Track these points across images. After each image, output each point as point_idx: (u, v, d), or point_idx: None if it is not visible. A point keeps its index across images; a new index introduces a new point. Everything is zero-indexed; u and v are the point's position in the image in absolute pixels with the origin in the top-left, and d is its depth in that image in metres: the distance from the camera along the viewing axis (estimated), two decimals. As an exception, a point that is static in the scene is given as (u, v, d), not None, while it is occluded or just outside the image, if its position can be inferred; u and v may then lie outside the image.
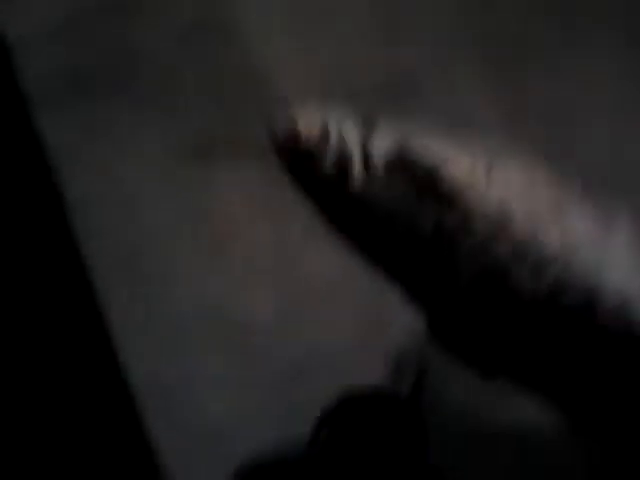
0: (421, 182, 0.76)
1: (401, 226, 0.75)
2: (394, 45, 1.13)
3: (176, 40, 1.15)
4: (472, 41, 1.09)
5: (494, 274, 0.69)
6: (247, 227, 1.02)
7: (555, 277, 0.68)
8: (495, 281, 0.69)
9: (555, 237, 0.69)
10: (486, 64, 1.07)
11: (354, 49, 1.13)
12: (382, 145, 0.80)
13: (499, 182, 0.75)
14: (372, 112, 0.83)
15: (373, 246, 0.78)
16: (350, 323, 0.94)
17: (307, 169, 0.84)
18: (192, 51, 1.14)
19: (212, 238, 1.02)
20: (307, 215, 0.77)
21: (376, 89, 1.06)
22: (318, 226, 0.76)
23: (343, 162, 0.80)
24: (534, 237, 0.69)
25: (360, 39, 1.14)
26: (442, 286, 0.73)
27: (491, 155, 0.77)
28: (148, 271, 1.01)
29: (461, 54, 1.09)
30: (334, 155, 0.81)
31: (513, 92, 1.05)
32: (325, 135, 0.83)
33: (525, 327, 0.70)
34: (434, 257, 0.73)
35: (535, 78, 1.08)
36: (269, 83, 1.11)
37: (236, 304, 0.97)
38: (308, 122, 0.84)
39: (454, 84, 1.09)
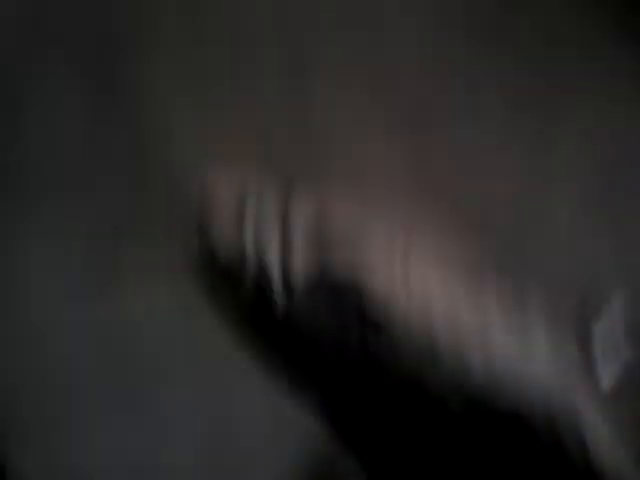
0: (345, 314, 0.73)
1: (328, 349, 0.74)
2: (303, 110, 1.02)
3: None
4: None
5: (428, 403, 0.71)
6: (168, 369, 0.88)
7: (484, 401, 0.70)
8: (428, 409, 0.71)
9: (479, 360, 0.70)
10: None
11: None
12: (299, 262, 0.75)
13: (419, 295, 0.71)
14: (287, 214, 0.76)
15: (302, 373, 0.76)
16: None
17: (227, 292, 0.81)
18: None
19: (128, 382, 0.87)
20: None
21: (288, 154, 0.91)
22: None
23: (264, 283, 0.76)
24: (462, 364, 0.70)
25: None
26: (374, 413, 0.73)
27: (406, 250, 0.71)
28: (52, 422, 0.87)
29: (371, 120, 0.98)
30: (254, 280, 0.76)
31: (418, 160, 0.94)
32: (243, 255, 0.76)
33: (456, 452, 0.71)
34: (365, 380, 0.74)
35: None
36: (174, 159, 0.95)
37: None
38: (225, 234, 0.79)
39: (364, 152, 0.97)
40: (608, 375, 0.76)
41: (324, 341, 0.80)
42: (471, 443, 0.72)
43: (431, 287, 0.78)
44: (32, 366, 0.89)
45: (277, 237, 0.81)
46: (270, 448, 0.86)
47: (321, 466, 0.90)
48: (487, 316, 0.77)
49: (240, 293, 0.82)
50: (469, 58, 1.00)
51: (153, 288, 0.92)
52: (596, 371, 0.76)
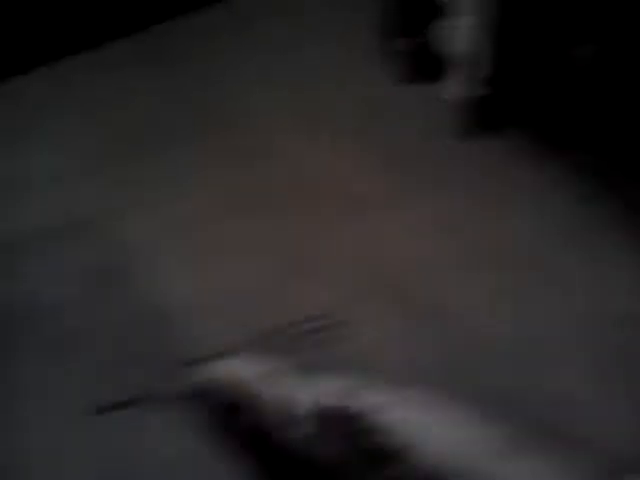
0: (354, 441, 0.77)
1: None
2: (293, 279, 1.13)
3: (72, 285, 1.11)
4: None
5: None
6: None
7: None
8: None
9: None
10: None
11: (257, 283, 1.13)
12: (303, 406, 0.80)
13: (435, 437, 0.76)
14: (292, 365, 0.86)
15: None
16: None
17: (233, 424, 0.84)
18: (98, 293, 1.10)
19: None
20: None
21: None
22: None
23: (267, 420, 0.81)
24: None
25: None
26: None
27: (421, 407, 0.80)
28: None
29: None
30: (256, 412, 0.82)
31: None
32: (247, 390, 0.83)
33: None
34: None
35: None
36: (175, 327, 1.06)
37: None
38: (228, 375, 0.86)
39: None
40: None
41: (337, 470, 0.78)
42: None
43: (442, 428, 0.78)
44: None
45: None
46: None
47: None
48: (501, 454, 0.76)
49: (248, 421, 0.82)
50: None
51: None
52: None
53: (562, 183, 1.21)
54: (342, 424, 0.78)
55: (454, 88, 1.33)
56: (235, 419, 0.84)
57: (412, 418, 0.79)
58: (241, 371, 0.87)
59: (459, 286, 1.10)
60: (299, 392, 0.84)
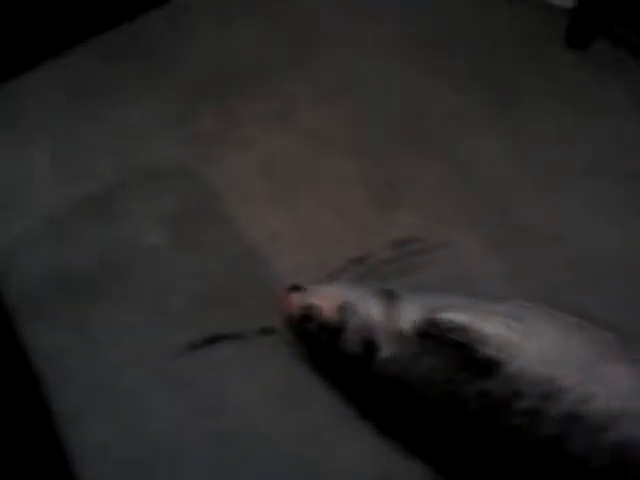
0: (456, 353, 0.75)
1: (441, 400, 0.75)
2: (387, 210, 1.10)
3: (165, 230, 1.10)
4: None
5: (550, 441, 0.70)
6: (266, 422, 0.90)
7: (611, 443, 0.68)
8: (552, 449, 0.70)
9: (602, 399, 0.69)
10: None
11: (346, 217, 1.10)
12: (409, 321, 0.79)
13: (535, 342, 0.74)
14: (393, 287, 0.84)
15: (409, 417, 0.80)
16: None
17: (328, 347, 0.85)
18: (181, 240, 1.09)
19: (228, 439, 0.90)
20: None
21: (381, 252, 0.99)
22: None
23: (368, 340, 0.80)
24: (583, 400, 0.69)
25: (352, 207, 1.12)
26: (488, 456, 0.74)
27: (520, 315, 0.77)
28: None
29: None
30: (359, 333, 0.81)
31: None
32: (348, 312, 0.83)
33: None
34: (481, 427, 0.74)
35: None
36: (269, 263, 1.05)
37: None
38: (328, 299, 0.86)
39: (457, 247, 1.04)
40: None
41: (435, 392, 0.78)
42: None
43: (546, 341, 0.76)
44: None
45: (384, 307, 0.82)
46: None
47: None
48: (605, 363, 0.74)
49: (346, 349, 0.83)
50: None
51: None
52: None
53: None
54: (440, 340, 0.76)
55: None
56: (336, 342, 0.82)
57: (513, 327, 0.76)
58: (340, 295, 0.85)
59: (552, 206, 1.05)
60: (395, 314, 0.82)
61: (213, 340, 0.93)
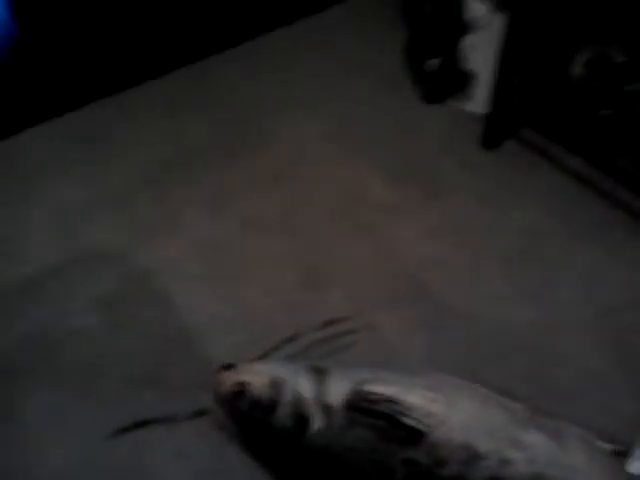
0: (383, 424, 0.77)
1: (370, 470, 0.79)
2: (316, 291, 1.16)
3: (99, 311, 1.11)
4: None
5: None
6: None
7: None
8: None
9: (521, 463, 0.75)
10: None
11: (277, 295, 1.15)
12: (337, 395, 0.82)
13: (457, 412, 0.78)
14: (321, 362, 0.87)
15: None
16: None
17: (260, 422, 0.86)
18: (115, 321, 1.11)
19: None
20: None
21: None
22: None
23: (299, 413, 0.83)
24: (505, 465, 0.74)
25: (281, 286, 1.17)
26: None
27: (441, 387, 0.82)
28: None
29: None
30: (290, 407, 0.83)
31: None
32: (279, 387, 0.86)
33: None
34: None
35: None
36: (203, 343, 1.07)
37: None
38: (260, 376, 0.88)
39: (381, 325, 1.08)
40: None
41: (364, 461, 0.81)
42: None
43: (466, 408, 0.81)
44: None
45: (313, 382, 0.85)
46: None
47: None
48: (521, 422, 0.80)
49: (278, 423, 0.84)
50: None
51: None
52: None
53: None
54: (367, 412, 0.78)
55: (476, 103, 1.40)
56: (268, 418, 0.84)
57: (434, 398, 0.80)
58: (272, 372, 0.88)
59: (471, 287, 1.12)
60: (325, 389, 0.84)
61: (144, 423, 0.92)
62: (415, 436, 0.75)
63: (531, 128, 1.36)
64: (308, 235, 1.20)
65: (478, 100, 1.41)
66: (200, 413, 0.91)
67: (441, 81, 1.45)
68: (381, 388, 0.80)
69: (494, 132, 1.36)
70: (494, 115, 1.35)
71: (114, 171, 1.33)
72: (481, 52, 1.37)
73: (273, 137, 1.39)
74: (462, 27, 1.37)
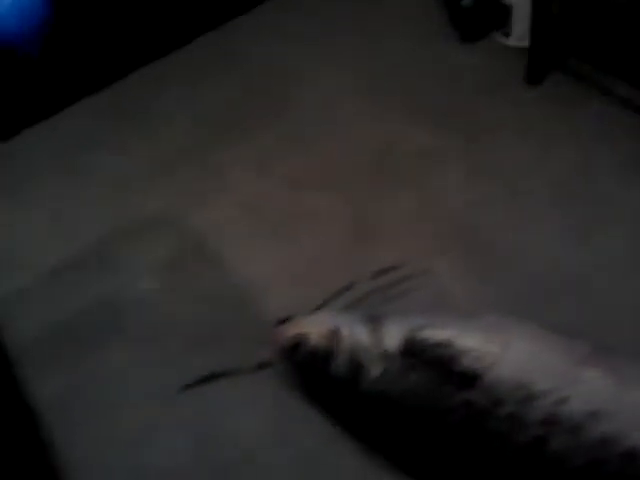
0: (439, 367, 0.79)
1: (427, 413, 0.79)
2: (366, 243, 1.16)
3: (156, 277, 1.15)
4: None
5: (531, 444, 0.74)
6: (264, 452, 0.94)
7: (589, 441, 0.73)
8: (534, 452, 0.74)
9: (578, 401, 0.73)
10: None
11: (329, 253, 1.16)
12: (393, 341, 0.84)
13: (512, 352, 0.78)
14: (376, 311, 0.90)
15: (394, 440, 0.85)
16: None
17: (319, 371, 0.89)
18: (177, 282, 1.14)
19: (228, 471, 0.92)
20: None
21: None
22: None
23: (356, 361, 0.85)
24: (561, 403, 0.73)
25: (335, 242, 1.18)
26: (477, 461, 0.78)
27: (496, 328, 0.83)
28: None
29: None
30: (347, 355, 0.86)
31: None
32: (336, 337, 0.88)
33: None
34: (466, 435, 0.78)
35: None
36: (260, 301, 1.09)
37: None
38: (317, 326, 0.91)
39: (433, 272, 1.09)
40: None
41: (422, 406, 0.82)
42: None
43: (523, 349, 0.81)
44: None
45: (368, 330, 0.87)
46: None
47: None
48: (579, 359, 0.80)
49: (335, 372, 0.87)
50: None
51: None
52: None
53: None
54: (423, 357, 0.80)
55: (517, 37, 1.36)
56: (326, 368, 0.86)
57: (490, 339, 0.81)
58: (327, 323, 0.90)
59: (519, 228, 1.11)
60: (381, 336, 0.86)
61: (209, 378, 0.96)
62: (471, 378, 0.76)
63: (576, 58, 1.33)
64: (353, 189, 1.21)
65: (518, 34, 1.37)
66: (262, 366, 0.94)
67: (478, 17, 1.41)
68: (436, 332, 0.82)
69: (537, 66, 1.32)
70: (535, 48, 1.31)
71: (157, 140, 1.35)
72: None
73: (309, 92, 1.38)
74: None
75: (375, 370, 0.81)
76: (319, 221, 1.17)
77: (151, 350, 1.04)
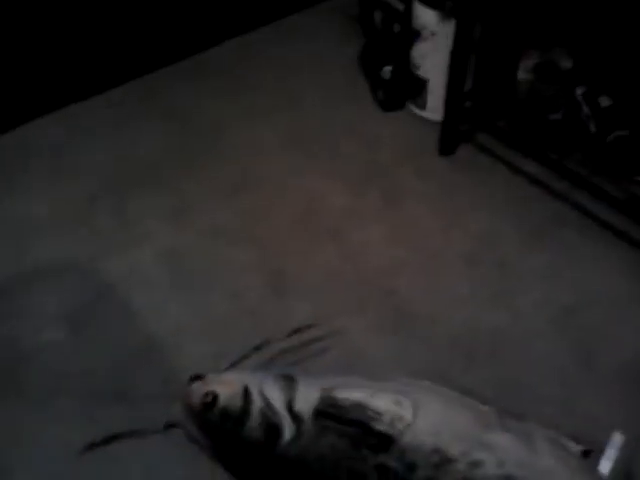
0: (353, 431, 0.78)
1: (342, 477, 0.79)
2: (283, 299, 1.18)
3: (63, 326, 1.10)
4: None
5: None
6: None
7: None
8: None
9: (491, 465, 0.76)
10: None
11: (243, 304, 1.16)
12: (307, 403, 0.83)
13: (425, 416, 0.79)
14: (290, 370, 0.89)
15: None
16: None
17: (231, 433, 0.86)
18: (83, 333, 1.10)
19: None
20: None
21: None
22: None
23: (269, 423, 0.83)
24: (475, 467, 0.75)
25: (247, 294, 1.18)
26: None
27: (409, 391, 0.83)
28: None
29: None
30: (260, 417, 0.84)
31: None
32: (249, 397, 0.86)
33: None
34: None
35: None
36: (171, 355, 1.07)
37: None
38: (230, 386, 0.88)
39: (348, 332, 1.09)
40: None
41: (337, 469, 0.81)
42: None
43: (434, 410, 0.82)
44: None
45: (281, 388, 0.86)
46: None
47: None
48: (489, 424, 0.82)
49: (248, 434, 0.84)
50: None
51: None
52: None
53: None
54: (337, 418, 0.79)
55: (431, 110, 1.42)
56: (239, 428, 0.84)
57: (403, 402, 0.81)
58: (241, 381, 0.88)
59: (433, 290, 1.14)
60: (295, 397, 0.85)
61: (113, 438, 0.92)
62: (386, 441, 0.76)
63: (486, 133, 1.41)
64: (271, 243, 1.21)
65: (432, 106, 1.44)
66: (169, 426, 0.90)
67: (396, 88, 1.48)
68: (349, 394, 0.81)
69: (449, 138, 1.39)
70: (448, 121, 1.38)
71: (70, 186, 1.32)
72: (432, 59, 1.39)
73: (231, 148, 1.39)
74: (412, 35, 1.41)
75: (289, 433, 0.79)
76: (237, 274, 1.16)
77: (53, 406, 0.98)
